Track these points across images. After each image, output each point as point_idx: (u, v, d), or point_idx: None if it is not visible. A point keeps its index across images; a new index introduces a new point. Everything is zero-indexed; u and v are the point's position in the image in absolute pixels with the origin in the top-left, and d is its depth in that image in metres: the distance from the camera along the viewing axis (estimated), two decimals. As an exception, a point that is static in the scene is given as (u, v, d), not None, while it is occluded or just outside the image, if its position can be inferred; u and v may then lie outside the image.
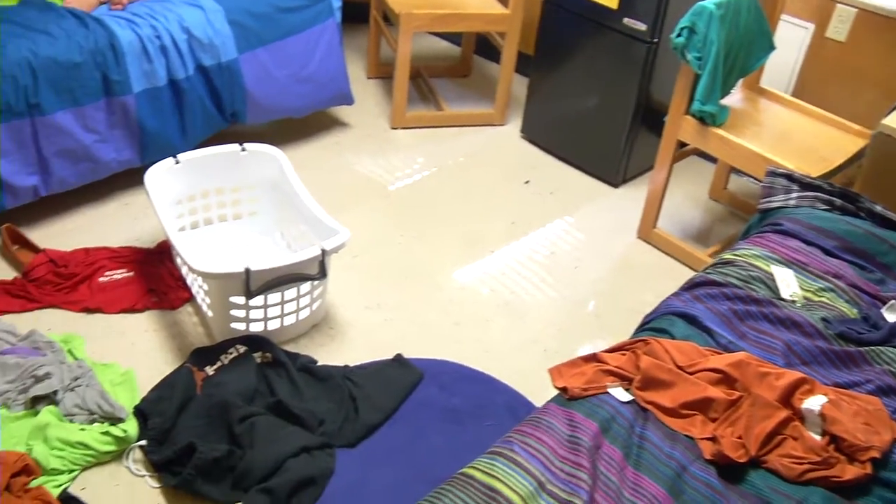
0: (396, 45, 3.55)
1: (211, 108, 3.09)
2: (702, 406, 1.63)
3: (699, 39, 2.59)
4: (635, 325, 2.58)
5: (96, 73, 2.77)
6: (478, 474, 1.45)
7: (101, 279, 2.68)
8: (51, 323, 2.54)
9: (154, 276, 2.69)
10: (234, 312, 2.35)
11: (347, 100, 3.52)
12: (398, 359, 2.43)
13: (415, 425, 2.27)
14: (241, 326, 2.40)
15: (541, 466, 1.47)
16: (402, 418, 2.29)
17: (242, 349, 2.36)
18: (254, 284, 2.25)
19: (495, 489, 1.41)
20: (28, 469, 2.03)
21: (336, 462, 2.13)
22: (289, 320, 2.43)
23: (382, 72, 4.16)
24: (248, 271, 2.21)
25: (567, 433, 1.54)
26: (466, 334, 2.60)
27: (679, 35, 2.63)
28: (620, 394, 1.66)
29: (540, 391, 2.39)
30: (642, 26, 3.03)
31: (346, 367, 2.39)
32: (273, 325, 2.41)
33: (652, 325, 1.89)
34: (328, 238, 2.38)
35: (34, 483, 2.02)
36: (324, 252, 2.29)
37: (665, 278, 2.91)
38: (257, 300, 2.31)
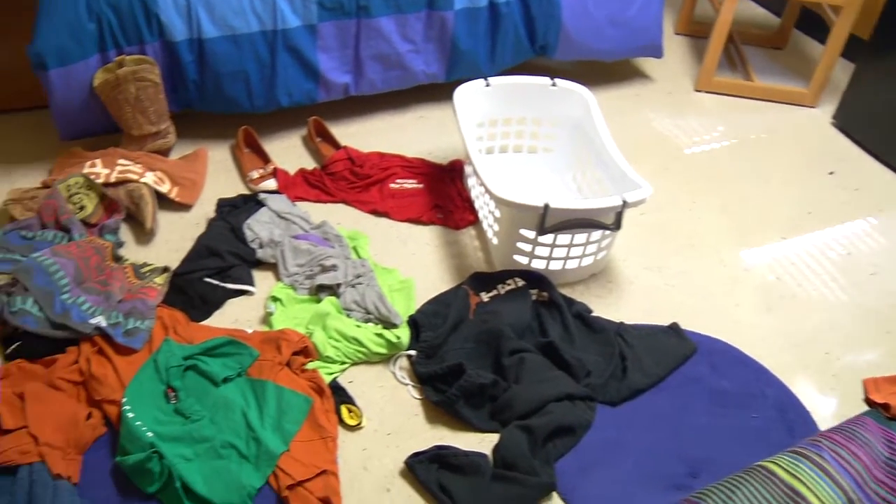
0: (719, 5, 3.37)
1: (523, 37, 3.06)
2: None
3: None
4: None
5: (424, -15, 2.80)
6: (780, 472, 1.35)
7: (392, 185, 2.73)
8: (340, 217, 2.62)
9: (442, 193, 2.71)
10: (520, 245, 2.33)
11: (657, 52, 3.39)
12: (674, 327, 2.33)
13: (679, 399, 2.17)
14: (523, 260, 2.38)
15: (852, 483, 1.35)
16: (667, 388, 2.20)
17: (521, 283, 2.34)
18: (548, 222, 2.21)
19: (799, 493, 1.31)
20: (307, 351, 2.12)
21: (595, 417, 2.09)
22: (571, 264, 2.38)
23: (692, 29, 3.98)
24: (546, 207, 2.17)
25: (886, 454, 1.41)
26: (745, 317, 2.46)
27: None
28: (947, 424, 1.50)
29: (813, 394, 2.22)
30: None
31: (621, 323, 2.32)
32: (555, 265, 2.37)
33: None
34: (626, 190, 2.30)
35: (310, 365, 2.11)
36: (624, 204, 2.22)
37: (973, 306, 2.64)
38: (546, 238, 2.28)
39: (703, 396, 2.18)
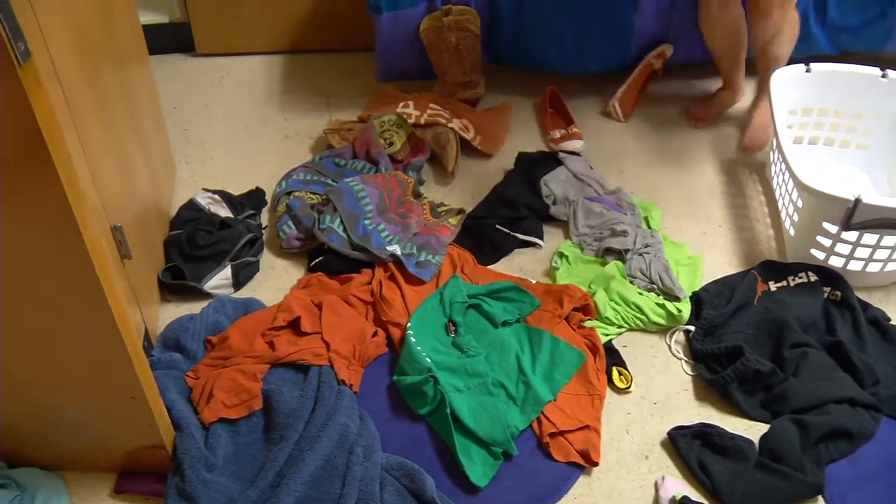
0: None
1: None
2: None
3: None
4: None
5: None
6: None
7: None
8: (635, 187, 2.61)
9: (741, 176, 2.64)
10: (819, 239, 2.23)
11: None
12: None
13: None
14: (819, 255, 2.27)
15: None
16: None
17: (813, 278, 2.25)
18: (857, 218, 2.10)
19: None
20: (586, 309, 2.15)
21: (878, 429, 1.97)
22: (873, 267, 2.25)
23: None
24: (857, 201, 2.06)
25: None
26: None
27: None
28: None
29: None
30: None
31: (924, 339, 2.17)
32: (854, 265, 2.25)
33: None
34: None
35: (588, 323, 2.14)
36: (949, 211, 2.06)
37: None
38: (850, 235, 2.17)
39: None
